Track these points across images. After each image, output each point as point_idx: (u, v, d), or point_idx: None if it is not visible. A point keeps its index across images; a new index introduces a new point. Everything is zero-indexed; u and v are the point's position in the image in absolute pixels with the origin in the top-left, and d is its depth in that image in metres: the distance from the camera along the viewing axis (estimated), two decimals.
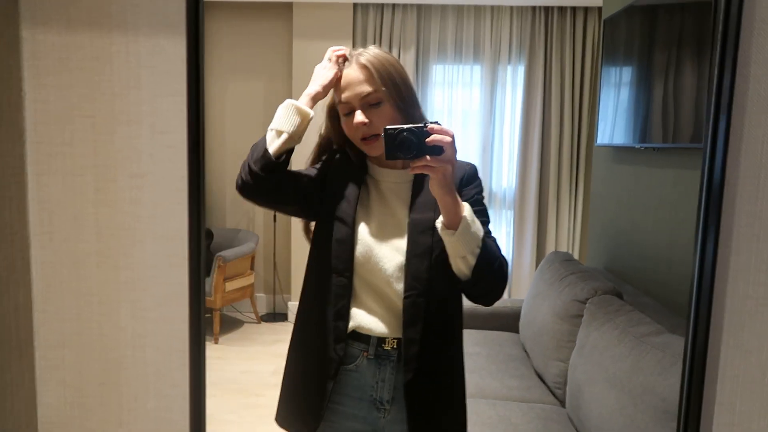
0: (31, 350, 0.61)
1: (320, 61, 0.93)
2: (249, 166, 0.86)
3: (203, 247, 0.59)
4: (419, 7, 3.08)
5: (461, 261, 0.85)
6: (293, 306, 3.02)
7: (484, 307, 2.57)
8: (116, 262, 0.61)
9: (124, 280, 0.62)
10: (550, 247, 2.90)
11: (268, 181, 0.87)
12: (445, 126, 0.83)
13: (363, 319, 0.91)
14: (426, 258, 0.89)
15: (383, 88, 0.89)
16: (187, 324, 0.60)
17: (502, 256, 0.90)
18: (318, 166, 0.98)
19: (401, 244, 0.91)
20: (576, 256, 2.85)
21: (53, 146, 0.61)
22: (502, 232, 2.99)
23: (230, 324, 3.03)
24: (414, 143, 0.81)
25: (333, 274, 0.92)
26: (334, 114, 0.95)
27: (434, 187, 0.83)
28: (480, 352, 2.13)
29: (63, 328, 0.61)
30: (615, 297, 1.78)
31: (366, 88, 0.88)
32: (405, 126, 0.82)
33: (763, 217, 0.61)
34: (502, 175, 3.15)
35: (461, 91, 3.37)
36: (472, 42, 3.16)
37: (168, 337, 0.62)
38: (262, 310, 3.23)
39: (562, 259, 2.17)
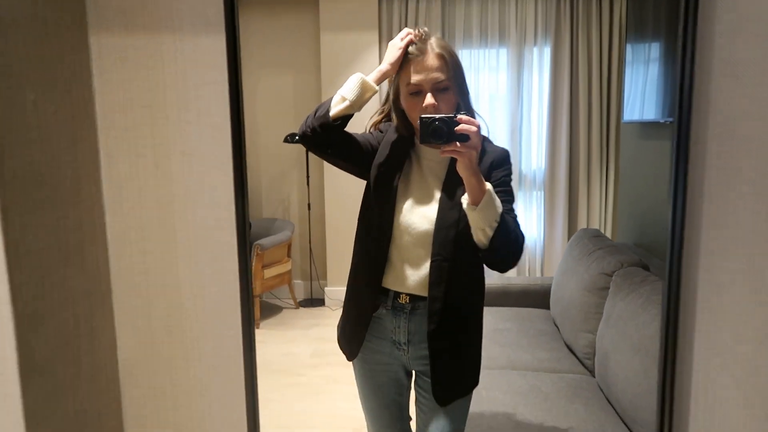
0: (110, 300, 0.75)
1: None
2: (311, 121, 1.04)
3: (246, 212, 0.71)
4: None
5: (481, 232, 1.01)
6: (330, 291, 3.16)
7: (516, 285, 2.65)
8: (173, 225, 0.75)
9: (180, 240, 0.75)
10: (581, 226, 2.95)
11: (324, 137, 1.04)
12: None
13: (390, 279, 1.10)
14: (453, 228, 1.06)
15: (452, 77, 1.03)
16: (237, 276, 0.72)
17: (520, 231, 1.05)
18: (374, 133, 1.15)
19: (431, 214, 1.07)
20: (608, 233, 2.90)
21: (119, 131, 0.74)
22: (533, 212, 3.06)
23: (270, 310, 3.20)
24: (444, 131, 0.95)
25: (372, 236, 1.11)
26: (397, 91, 1.09)
27: (461, 169, 0.97)
28: (511, 328, 2.21)
29: (134, 281, 0.75)
30: (641, 269, 1.84)
31: (440, 76, 1.02)
32: (437, 116, 0.95)
33: (728, 169, 0.69)
34: (531, 156, 3.20)
35: (488, 74, 3.42)
36: (497, 26, 3.21)
37: (220, 287, 0.75)
38: (300, 296, 3.39)
39: (591, 236, 2.23)
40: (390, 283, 1.11)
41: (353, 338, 1.18)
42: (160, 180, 0.74)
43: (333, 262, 3.20)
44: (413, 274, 1.09)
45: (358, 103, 1.03)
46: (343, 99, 1.03)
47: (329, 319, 3.11)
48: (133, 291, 0.76)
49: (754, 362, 0.71)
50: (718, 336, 0.71)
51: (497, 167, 1.07)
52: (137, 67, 0.73)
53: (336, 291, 3.11)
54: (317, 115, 1.03)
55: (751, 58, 0.67)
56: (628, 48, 2.35)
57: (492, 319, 2.29)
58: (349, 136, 1.09)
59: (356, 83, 1.03)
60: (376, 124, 1.16)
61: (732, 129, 0.68)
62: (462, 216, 1.03)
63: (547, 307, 2.47)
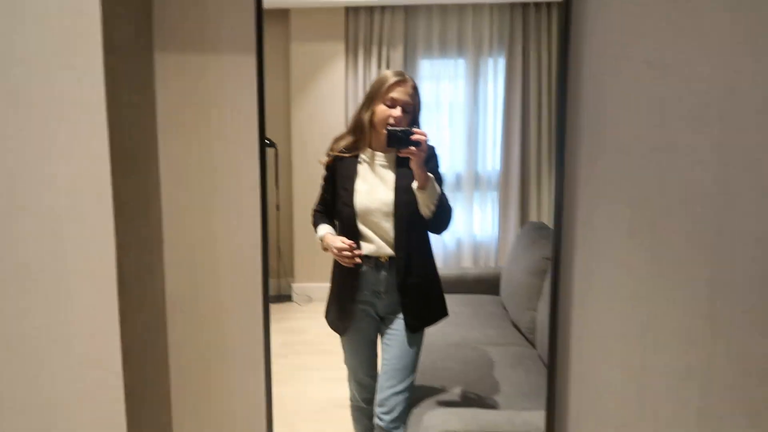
0: (161, 246, 1.09)
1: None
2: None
3: (265, 180, 1.07)
4: (406, 7, 3.58)
5: (426, 208, 1.60)
6: (297, 287, 3.48)
7: (471, 274, 3.07)
8: (212, 192, 1.10)
9: (216, 202, 1.10)
10: (532, 220, 3.40)
11: None
12: (423, 128, 1.61)
13: (366, 247, 1.66)
14: (408, 207, 1.62)
15: (415, 104, 1.66)
16: (259, 229, 1.08)
17: (449, 205, 1.66)
18: (326, 174, 1.75)
19: (389, 199, 1.63)
20: None
21: (173, 123, 1.09)
22: (488, 210, 3.49)
23: None
24: (404, 139, 1.52)
25: (346, 223, 1.68)
26: (367, 104, 1.68)
27: (413, 165, 1.55)
28: (465, 311, 2.60)
29: (180, 232, 1.10)
30: None
31: (410, 100, 1.63)
32: (399, 128, 1.54)
33: (599, 139, 1.09)
34: (487, 159, 3.63)
35: (447, 83, 3.84)
36: (456, 38, 3.64)
37: (245, 238, 1.10)
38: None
39: (537, 227, 2.65)
40: (372, 251, 1.66)
41: (344, 315, 1.73)
42: (202, 158, 1.09)
43: (300, 260, 3.52)
44: (385, 243, 1.64)
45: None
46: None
47: (297, 313, 3.41)
48: (178, 240, 1.11)
49: (615, 308, 1.11)
50: (591, 289, 1.11)
51: (428, 161, 1.62)
52: (188, 76, 1.08)
53: (303, 287, 3.44)
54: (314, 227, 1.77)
55: (607, 72, 1.08)
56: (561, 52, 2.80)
57: (448, 304, 2.68)
58: (331, 201, 1.72)
59: (318, 238, 1.73)
60: (336, 139, 1.75)
61: (597, 122, 1.09)
62: (412, 198, 1.59)
63: (498, 293, 2.88)
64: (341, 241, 1.64)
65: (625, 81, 1.08)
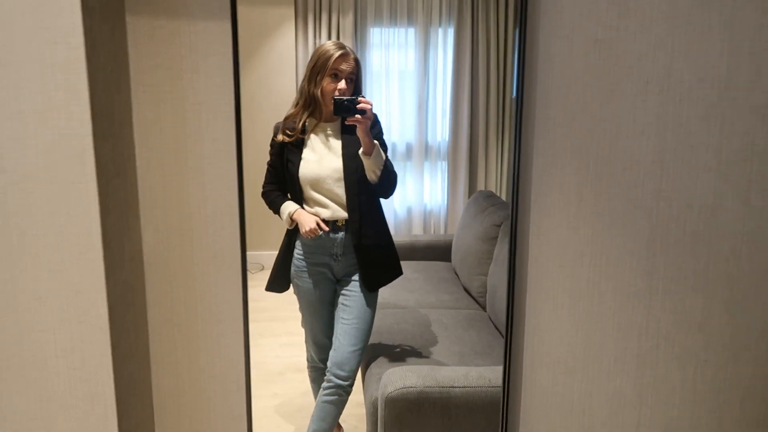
0: (137, 207, 1.13)
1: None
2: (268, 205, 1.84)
3: (240, 143, 1.13)
4: None
5: (372, 173, 1.74)
6: (249, 255, 3.52)
7: (422, 242, 3.20)
8: (185, 155, 1.14)
9: (190, 165, 1.15)
10: (480, 189, 3.56)
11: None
12: (368, 96, 1.72)
13: (322, 212, 1.78)
14: (357, 172, 1.75)
15: (357, 74, 1.77)
16: (236, 191, 1.14)
17: (394, 170, 1.84)
18: (273, 145, 1.84)
19: (338, 165, 1.76)
20: (502, 194, 3.51)
21: (146, 86, 1.13)
22: (438, 179, 3.62)
23: None
24: (351, 108, 1.64)
25: (296, 192, 1.80)
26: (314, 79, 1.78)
27: (359, 132, 1.68)
28: (418, 277, 2.74)
29: (154, 194, 1.14)
30: None
31: (353, 71, 1.75)
32: (345, 97, 1.67)
33: (551, 112, 1.21)
34: (437, 129, 3.76)
35: (397, 52, 3.91)
36: (406, 6, 3.70)
37: (220, 199, 1.16)
38: None
39: (485, 196, 2.80)
40: (328, 216, 1.78)
41: (293, 274, 1.89)
42: (176, 122, 1.14)
43: (250, 228, 3.56)
44: (339, 206, 1.77)
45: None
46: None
47: (250, 281, 3.47)
48: (153, 202, 1.15)
49: (566, 265, 1.24)
50: (545, 247, 1.24)
51: (372, 127, 1.75)
52: (160, 41, 1.12)
53: (254, 255, 3.48)
54: (270, 207, 1.86)
55: (559, 50, 1.19)
56: (517, 32, 2.92)
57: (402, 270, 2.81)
58: (281, 178, 1.83)
59: (285, 215, 1.83)
60: (290, 116, 1.83)
61: (549, 97, 1.20)
62: (360, 163, 1.73)
63: (449, 260, 3.03)
64: (316, 222, 1.77)
65: (575, 58, 1.20)
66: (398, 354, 2.06)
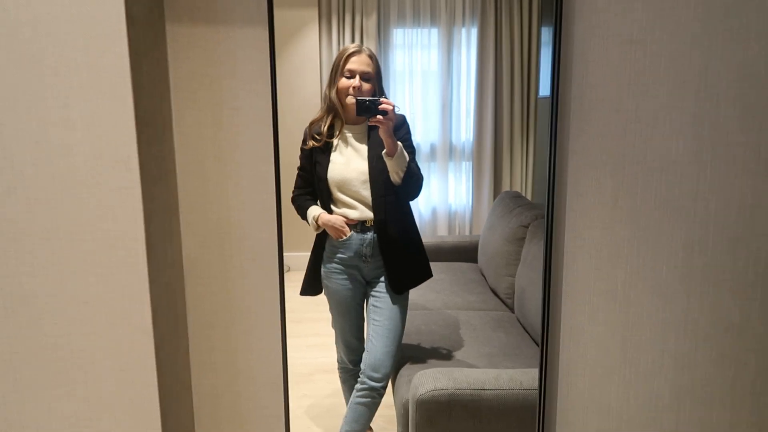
0: (178, 212, 1.16)
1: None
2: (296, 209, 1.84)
3: (278, 148, 1.15)
4: None
5: (395, 174, 1.74)
6: (286, 257, 3.55)
7: (448, 243, 3.21)
8: (224, 159, 1.17)
9: (229, 169, 1.17)
10: (505, 189, 3.55)
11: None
12: (390, 98, 1.73)
13: (350, 213, 1.80)
14: (382, 174, 1.75)
15: (374, 72, 1.77)
16: (273, 194, 1.16)
17: (420, 173, 1.82)
18: (303, 150, 1.83)
19: (364, 167, 1.77)
20: (528, 194, 3.50)
21: (186, 92, 1.15)
22: (462, 180, 3.62)
23: None
24: (372, 108, 1.65)
25: (324, 195, 1.82)
26: (332, 81, 1.82)
27: (382, 133, 1.68)
28: (445, 278, 2.74)
29: (195, 199, 1.17)
30: None
31: (367, 69, 1.74)
32: (368, 98, 1.65)
33: (586, 113, 1.21)
34: (461, 129, 3.75)
35: (420, 52, 3.92)
36: (429, 7, 3.71)
37: (259, 203, 1.18)
38: None
39: (512, 196, 2.79)
40: (356, 216, 1.80)
41: (326, 277, 1.89)
42: (215, 128, 1.16)
43: (287, 230, 3.59)
44: (366, 208, 1.79)
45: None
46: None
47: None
48: (193, 206, 1.18)
49: (601, 267, 1.24)
50: (581, 251, 1.24)
51: (398, 129, 1.75)
52: (200, 48, 1.14)
53: (288, 256, 3.51)
54: (298, 212, 1.86)
55: (594, 50, 1.19)
56: (543, 30, 2.91)
57: None
58: (311, 182, 1.84)
59: (311, 221, 1.84)
60: (315, 121, 1.84)
61: (584, 97, 1.20)
62: (385, 165, 1.72)
63: (476, 261, 3.02)
64: (342, 222, 1.79)
65: (610, 59, 1.20)
66: (427, 355, 2.07)
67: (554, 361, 1.30)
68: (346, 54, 1.77)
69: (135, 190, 0.99)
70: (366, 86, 1.75)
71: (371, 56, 1.77)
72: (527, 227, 2.44)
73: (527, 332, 2.21)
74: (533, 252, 2.29)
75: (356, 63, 1.74)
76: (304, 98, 3.09)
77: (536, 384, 1.78)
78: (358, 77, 1.73)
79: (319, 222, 1.82)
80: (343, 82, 1.76)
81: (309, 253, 1.95)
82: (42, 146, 0.98)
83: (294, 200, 1.88)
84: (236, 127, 1.16)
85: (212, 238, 1.20)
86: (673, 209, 1.24)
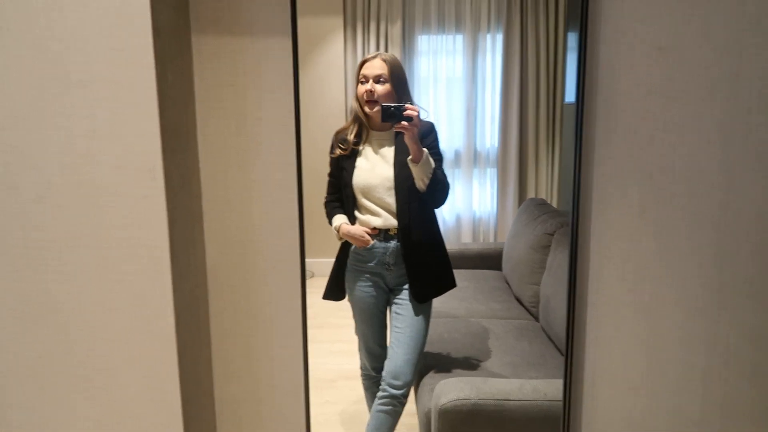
0: (201, 219, 1.17)
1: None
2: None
3: (300, 157, 1.15)
4: None
5: (420, 181, 1.72)
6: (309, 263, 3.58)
7: (472, 250, 3.19)
8: (248, 168, 1.17)
9: (253, 179, 1.18)
10: (530, 196, 3.51)
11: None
12: (417, 103, 1.72)
13: (373, 221, 1.80)
14: (407, 180, 1.74)
15: (389, 74, 1.75)
16: (296, 204, 1.16)
17: (446, 180, 1.79)
18: (331, 159, 1.87)
19: (389, 174, 1.77)
20: (553, 201, 3.46)
21: (211, 102, 1.16)
22: (487, 186, 3.59)
23: None
24: (397, 114, 1.63)
25: (350, 201, 1.82)
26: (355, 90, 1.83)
27: (407, 139, 1.66)
28: (468, 286, 2.71)
29: (218, 207, 1.18)
30: None
31: (379, 71, 1.74)
32: (392, 104, 1.65)
33: (612, 121, 1.19)
34: (486, 136, 3.73)
35: (445, 59, 3.92)
36: (454, 14, 3.71)
37: (281, 212, 1.18)
38: None
39: (537, 204, 2.75)
40: (380, 224, 1.79)
41: (349, 283, 1.90)
42: (239, 137, 1.17)
43: (310, 237, 3.62)
44: (390, 215, 1.78)
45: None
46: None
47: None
48: (216, 214, 1.19)
49: (628, 278, 1.22)
50: (606, 259, 1.22)
51: (425, 136, 1.76)
52: (224, 58, 1.15)
53: (310, 262, 3.53)
54: (327, 218, 1.90)
55: (621, 56, 1.17)
56: (569, 36, 2.88)
57: None
58: (339, 190, 1.86)
59: (334, 231, 1.88)
60: (341, 130, 1.87)
61: (610, 105, 1.18)
62: (411, 171, 1.71)
63: (500, 268, 2.99)
64: (362, 233, 1.79)
65: (637, 65, 1.17)
66: (450, 364, 2.05)
67: (579, 373, 1.27)
68: (360, 62, 1.80)
69: (159, 199, 1.01)
70: (380, 88, 1.74)
71: (385, 60, 1.76)
72: (552, 235, 2.40)
73: (552, 341, 2.18)
74: (558, 260, 2.25)
75: (369, 68, 1.75)
76: (328, 105, 3.09)
77: (561, 395, 1.75)
78: (371, 81, 1.74)
79: (340, 233, 1.82)
80: (359, 88, 1.78)
81: (332, 260, 1.95)
82: (69, 156, 1.00)
83: (325, 205, 1.90)
84: (259, 136, 1.17)
85: (235, 246, 1.21)
86: (702, 220, 1.20)
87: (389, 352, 1.87)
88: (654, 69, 1.17)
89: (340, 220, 1.84)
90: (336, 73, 3.38)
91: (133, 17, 0.97)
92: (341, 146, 1.82)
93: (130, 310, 1.05)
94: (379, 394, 1.84)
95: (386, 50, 3.32)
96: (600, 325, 1.25)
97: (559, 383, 1.86)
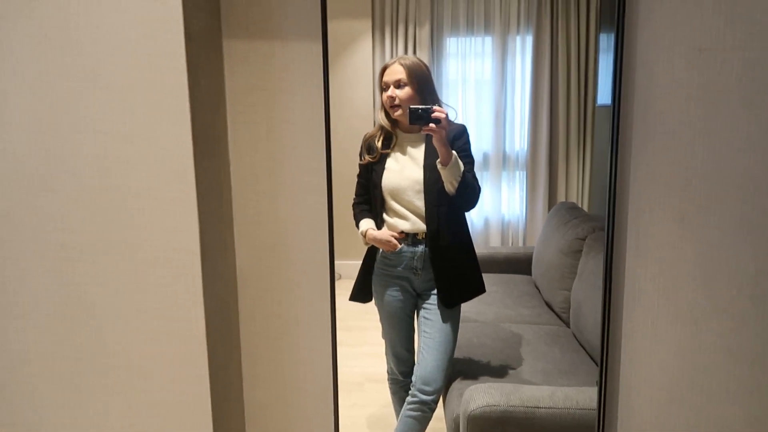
0: (232, 223, 1.17)
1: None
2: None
3: (330, 162, 1.14)
4: None
5: (449, 184, 1.70)
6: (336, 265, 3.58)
7: (501, 254, 3.15)
8: (278, 172, 1.17)
9: (283, 183, 1.17)
10: (560, 200, 3.45)
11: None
12: (445, 104, 1.73)
13: (401, 224, 1.78)
14: (437, 183, 1.72)
15: (410, 77, 1.73)
16: (326, 208, 1.15)
17: (477, 184, 1.78)
18: (361, 165, 1.85)
19: (419, 176, 1.75)
20: (584, 205, 3.39)
21: (242, 106, 1.16)
22: (516, 190, 3.55)
23: None
24: (424, 116, 1.60)
25: (379, 203, 1.79)
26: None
27: (435, 142, 1.64)
28: (497, 290, 2.67)
29: (248, 211, 1.17)
30: None
31: (399, 76, 1.74)
32: (420, 106, 1.62)
33: (647, 135, 1.15)
34: (515, 138, 3.68)
35: (474, 61, 3.87)
36: (483, 15, 3.67)
37: (311, 216, 1.18)
38: None
39: (568, 207, 2.70)
40: (408, 228, 1.78)
41: (376, 286, 1.88)
42: (269, 141, 1.16)
43: (339, 238, 3.62)
44: (419, 219, 1.76)
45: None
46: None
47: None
48: (247, 218, 1.18)
49: (666, 286, 1.18)
50: (643, 268, 1.18)
51: (457, 138, 1.73)
52: (255, 63, 1.15)
53: (338, 264, 3.54)
54: (354, 220, 1.87)
55: (659, 58, 1.13)
56: (602, 37, 2.83)
57: None
58: (368, 191, 1.84)
59: (360, 233, 1.85)
60: (369, 137, 1.85)
61: (648, 108, 1.15)
62: (440, 175, 1.69)
63: (529, 273, 2.95)
64: (389, 237, 1.78)
65: (676, 68, 1.14)
66: (479, 370, 2.02)
67: (614, 383, 1.23)
68: (381, 69, 1.81)
69: (191, 203, 1.01)
70: (401, 93, 1.73)
71: (403, 63, 1.75)
72: (584, 240, 2.36)
73: (584, 348, 2.13)
74: (590, 266, 2.20)
75: (388, 74, 1.75)
76: (356, 108, 3.09)
77: (593, 404, 1.70)
78: (391, 87, 1.73)
79: (367, 239, 1.81)
80: (382, 96, 1.78)
81: (360, 262, 1.94)
82: (103, 160, 1.01)
83: (353, 207, 1.89)
84: (289, 140, 1.16)
85: (264, 250, 1.20)
86: (746, 227, 1.16)
87: (419, 357, 1.85)
88: (694, 71, 1.13)
89: (366, 225, 1.82)
90: (364, 76, 3.38)
91: (167, 22, 0.97)
92: (369, 154, 1.81)
93: (163, 313, 1.06)
94: (409, 399, 1.83)
95: (414, 53, 3.30)
96: (636, 334, 1.21)
97: (591, 391, 1.82)
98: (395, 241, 1.76)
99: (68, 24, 0.98)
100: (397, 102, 1.73)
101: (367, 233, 1.80)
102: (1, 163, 1.01)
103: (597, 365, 2.07)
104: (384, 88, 1.76)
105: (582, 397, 1.71)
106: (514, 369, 2.01)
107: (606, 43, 2.67)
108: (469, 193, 1.74)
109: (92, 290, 1.05)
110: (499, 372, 1.99)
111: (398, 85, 1.73)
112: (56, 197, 1.02)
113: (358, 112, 3.15)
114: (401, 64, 1.75)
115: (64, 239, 1.04)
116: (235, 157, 1.17)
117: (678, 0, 1.11)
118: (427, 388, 1.81)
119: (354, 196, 1.89)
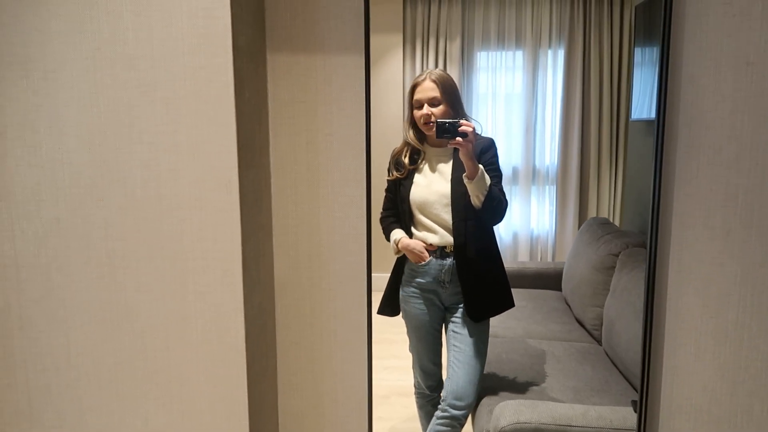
0: (271, 234, 1.18)
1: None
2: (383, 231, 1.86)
3: (370, 176, 1.15)
4: None
5: (476, 198, 1.69)
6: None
7: (530, 269, 3.12)
8: (318, 184, 1.18)
9: (322, 195, 1.18)
10: (591, 215, 3.41)
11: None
12: (473, 119, 1.72)
13: (429, 237, 1.79)
14: (464, 197, 1.71)
15: (443, 95, 1.72)
16: (364, 219, 1.16)
17: (504, 198, 1.75)
18: (389, 181, 1.87)
19: (446, 190, 1.74)
20: (616, 221, 3.35)
21: (283, 119, 1.18)
22: (546, 205, 3.52)
23: None
24: (451, 130, 1.60)
25: (409, 217, 1.81)
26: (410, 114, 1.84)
27: (462, 155, 1.64)
28: (527, 306, 2.64)
29: (287, 222, 1.18)
30: (643, 249, 2.27)
31: (432, 94, 1.73)
32: (447, 120, 1.63)
33: (693, 149, 1.13)
34: (545, 153, 3.66)
35: (505, 75, 3.87)
36: (514, 29, 3.66)
37: (349, 228, 1.18)
38: None
39: (600, 223, 2.67)
40: (436, 241, 1.78)
41: (404, 300, 1.88)
42: (309, 153, 1.18)
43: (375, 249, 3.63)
44: (446, 232, 1.76)
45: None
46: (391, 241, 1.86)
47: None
48: (286, 228, 1.19)
49: (710, 304, 1.15)
50: (685, 288, 1.16)
51: (484, 152, 1.74)
52: (298, 76, 1.16)
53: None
54: (384, 233, 1.88)
55: (705, 72, 1.12)
56: (636, 51, 2.80)
57: None
58: (395, 205, 1.85)
59: (392, 244, 1.86)
60: (397, 153, 1.85)
61: (693, 122, 1.13)
62: (467, 188, 1.68)
63: (559, 289, 2.91)
64: (421, 248, 1.78)
65: (722, 81, 1.12)
66: (509, 386, 1.99)
67: (654, 404, 1.21)
68: (411, 86, 1.79)
69: (234, 213, 1.02)
70: (436, 110, 1.72)
71: (435, 80, 1.73)
72: (617, 256, 2.32)
73: (616, 367, 2.09)
74: (624, 282, 2.17)
75: (421, 92, 1.73)
76: (387, 121, 3.10)
77: (628, 424, 1.66)
78: (425, 105, 1.72)
79: (399, 246, 1.81)
80: (415, 113, 1.77)
81: (389, 274, 1.93)
82: (152, 170, 1.03)
83: (381, 221, 1.88)
84: (330, 152, 1.17)
85: (302, 260, 1.21)
86: None
87: (449, 372, 1.84)
88: (741, 85, 1.11)
89: (399, 233, 1.82)
90: (395, 89, 3.40)
91: (216, 37, 0.99)
92: (398, 171, 1.82)
93: (204, 321, 1.07)
94: (439, 413, 1.81)
95: (444, 67, 3.31)
96: (678, 354, 1.18)
97: (625, 411, 1.78)
98: (426, 253, 1.76)
99: (120, 38, 1.00)
100: (433, 120, 1.72)
101: (401, 241, 1.80)
102: (57, 172, 1.03)
103: (630, 384, 2.03)
104: (417, 106, 1.76)
105: (616, 416, 1.68)
106: (544, 385, 1.98)
107: (641, 56, 2.65)
108: (496, 206, 1.73)
109: (136, 297, 1.07)
110: (528, 388, 1.96)
111: (432, 103, 1.72)
112: (106, 205, 1.05)
113: (390, 125, 3.16)
114: (433, 81, 1.73)
115: (111, 247, 1.06)
116: (275, 167, 1.19)
117: (725, 13, 1.10)
118: (459, 403, 1.79)
119: (381, 210, 1.89)
